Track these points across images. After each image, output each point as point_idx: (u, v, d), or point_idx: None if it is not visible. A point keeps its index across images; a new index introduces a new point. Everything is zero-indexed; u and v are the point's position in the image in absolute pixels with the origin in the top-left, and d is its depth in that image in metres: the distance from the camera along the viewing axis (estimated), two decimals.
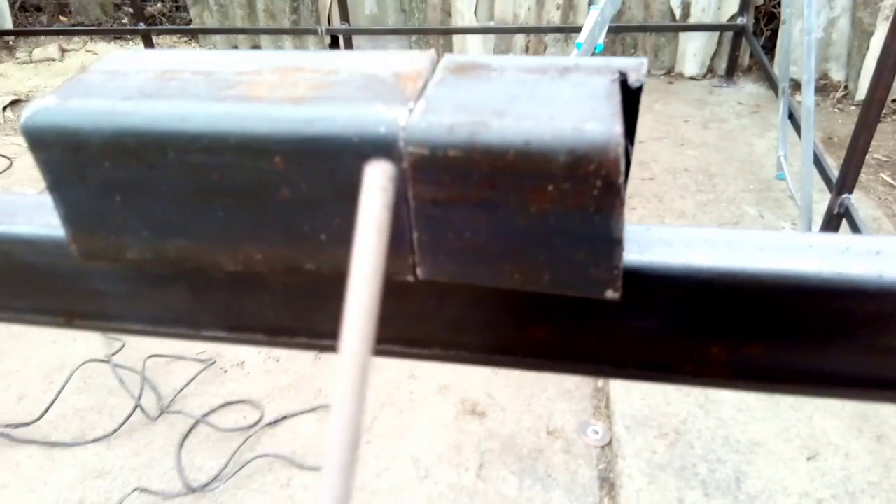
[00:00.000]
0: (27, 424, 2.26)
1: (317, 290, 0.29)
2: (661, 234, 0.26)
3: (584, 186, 0.20)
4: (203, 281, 0.30)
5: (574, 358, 0.29)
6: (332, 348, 0.31)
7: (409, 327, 0.29)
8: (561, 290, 0.22)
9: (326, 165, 0.22)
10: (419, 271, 0.23)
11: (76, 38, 5.74)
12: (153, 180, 0.23)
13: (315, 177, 0.22)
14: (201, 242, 0.24)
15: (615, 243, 0.21)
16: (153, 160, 0.22)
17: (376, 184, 0.19)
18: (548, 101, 0.21)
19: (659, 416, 2.23)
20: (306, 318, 0.30)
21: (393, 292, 0.28)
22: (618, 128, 0.19)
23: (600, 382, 2.38)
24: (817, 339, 0.26)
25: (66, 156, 0.23)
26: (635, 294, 0.26)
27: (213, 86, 0.23)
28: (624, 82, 0.22)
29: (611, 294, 0.22)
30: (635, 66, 0.23)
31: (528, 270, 0.22)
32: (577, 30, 3.09)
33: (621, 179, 0.19)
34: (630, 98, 0.22)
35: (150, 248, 0.24)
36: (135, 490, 2.07)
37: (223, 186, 0.23)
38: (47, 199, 0.31)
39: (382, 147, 0.21)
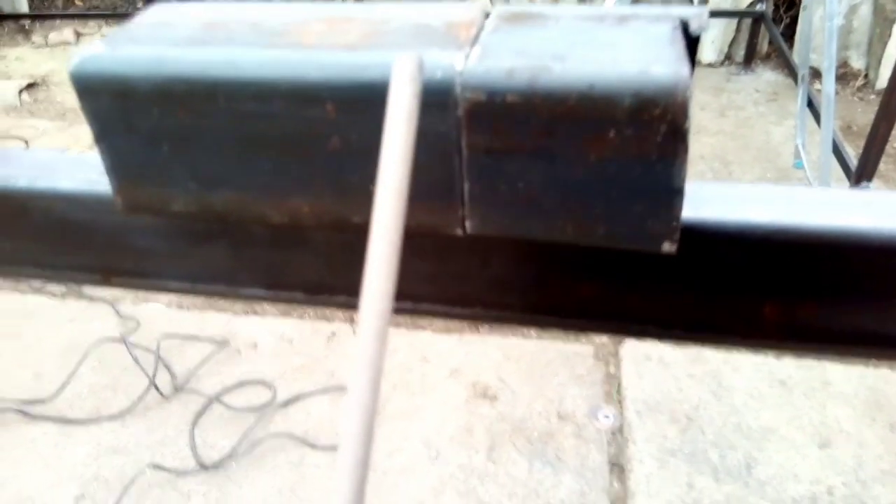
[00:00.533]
0: (43, 402, 2.29)
1: (359, 246, 0.29)
2: (716, 189, 0.26)
3: (648, 132, 0.19)
4: (244, 237, 0.29)
5: (621, 318, 0.28)
6: None
7: (452, 286, 0.29)
8: (615, 243, 0.22)
9: (378, 114, 0.21)
10: (468, 225, 0.23)
11: (91, 23, 5.74)
12: (201, 129, 0.22)
13: (367, 126, 0.22)
14: (248, 194, 0.24)
15: (676, 192, 0.20)
16: (201, 108, 0.22)
17: (405, 74, 0.18)
18: (609, 47, 0.20)
19: (671, 401, 2.23)
20: (347, 276, 0.30)
21: (438, 248, 0.28)
22: (685, 70, 0.19)
23: (612, 368, 2.37)
24: (875, 299, 0.25)
25: (114, 104, 0.22)
26: (688, 251, 0.25)
27: (262, 34, 0.23)
28: (685, 30, 0.22)
29: (668, 247, 0.21)
30: (696, 14, 0.22)
31: (582, 223, 0.22)
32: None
33: (688, 124, 0.19)
34: (689, 48, 0.22)
35: (196, 200, 0.24)
36: (149, 466, 2.09)
37: (272, 136, 0.22)
38: (87, 157, 0.31)
39: (438, 92, 0.21)
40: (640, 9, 0.22)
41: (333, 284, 0.30)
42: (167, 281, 0.32)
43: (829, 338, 0.27)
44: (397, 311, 0.31)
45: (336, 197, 0.23)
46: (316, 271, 0.30)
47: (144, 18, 0.25)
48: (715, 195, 0.26)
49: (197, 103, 0.22)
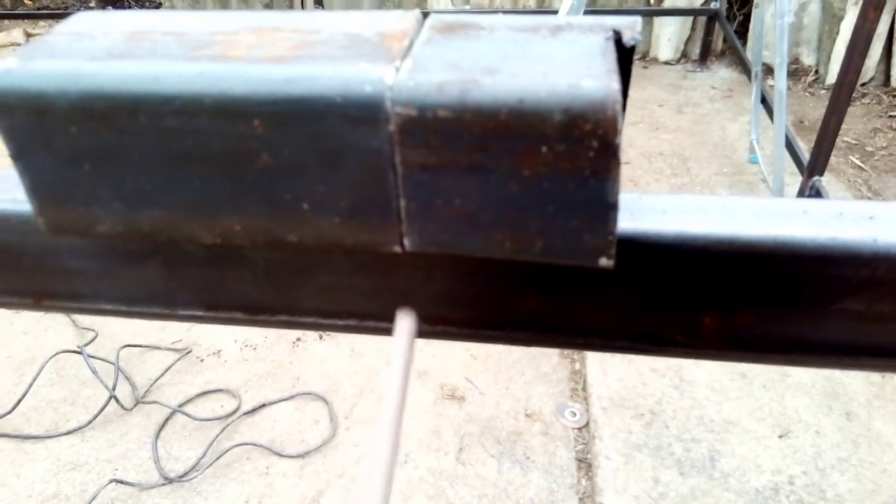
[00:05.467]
0: None
1: (299, 264, 0.28)
2: (654, 201, 0.26)
3: (580, 147, 0.19)
4: (179, 257, 0.28)
5: (564, 331, 0.28)
6: (314, 326, 0.30)
7: (395, 302, 0.28)
8: (553, 258, 0.22)
9: (309, 129, 0.21)
10: (407, 242, 0.23)
11: (42, 22, 5.57)
12: (124, 147, 0.21)
13: (297, 141, 0.21)
14: (177, 214, 0.23)
15: (611, 208, 0.20)
16: (123, 125, 0.21)
17: (405, 330, 0.18)
18: (541, 59, 0.20)
19: (635, 396, 2.26)
20: (288, 295, 0.29)
21: (379, 265, 0.27)
22: (615, 84, 0.18)
23: (577, 365, 2.40)
24: (811, 307, 0.25)
25: (30, 121, 0.21)
26: (628, 263, 0.25)
27: (187, 46, 0.22)
28: (618, 41, 0.22)
29: (605, 262, 0.21)
30: (629, 25, 0.22)
31: (519, 238, 0.21)
32: (554, 13, 3.09)
33: (618, 139, 0.19)
34: (623, 58, 0.22)
35: (123, 220, 0.23)
36: (111, 482, 2.04)
37: (199, 153, 0.21)
38: (11, 174, 0.29)
39: (368, 108, 0.20)
40: (575, 19, 0.22)
41: (273, 304, 0.29)
42: (101, 303, 0.30)
43: (768, 346, 0.27)
44: (342, 328, 0.31)
45: (269, 215, 0.22)
46: (255, 290, 0.29)
47: (64, 28, 0.24)
48: (654, 206, 0.26)
49: (118, 120, 0.21)
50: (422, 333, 0.29)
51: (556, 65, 0.19)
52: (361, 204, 0.22)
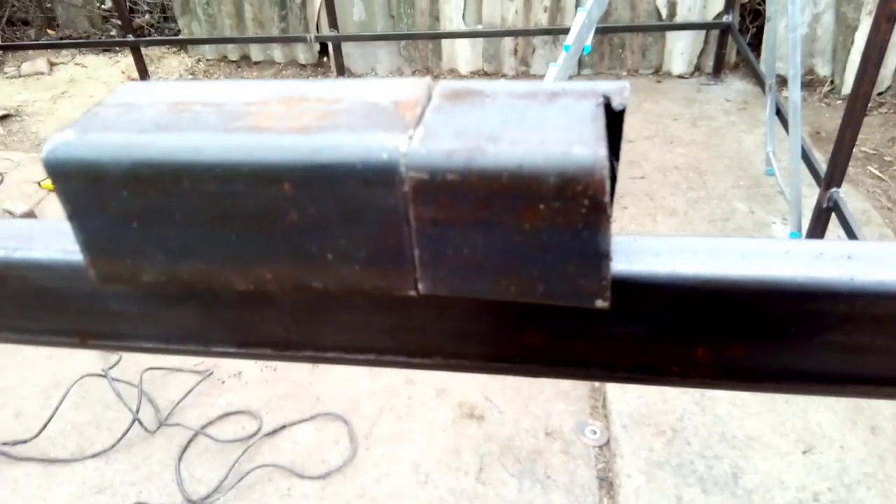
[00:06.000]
0: (25, 441, 2.26)
1: (322, 305, 0.31)
2: (648, 243, 0.28)
3: (573, 205, 0.21)
4: (213, 300, 0.31)
5: (567, 363, 0.30)
6: (337, 360, 0.33)
7: (411, 338, 0.31)
8: (553, 300, 0.24)
9: (332, 191, 0.23)
10: (421, 286, 0.25)
11: (64, 52, 5.74)
12: (168, 208, 0.24)
13: (322, 201, 0.23)
14: (214, 265, 0.25)
15: (603, 257, 0.22)
16: (169, 189, 0.24)
17: None
18: (538, 126, 0.22)
19: (655, 414, 2.25)
20: (312, 333, 0.32)
21: (396, 306, 0.30)
22: (602, 151, 0.21)
23: (597, 383, 2.40)
24: (794, 340, 0.27)
25: (86, 186, 0.24)
26: (624, 301, 0.27)
27: (224, 117, 0.25)
28: (608, 105, 0.24)
29: (600, 303, 0.24)
30: (618, 90, 0.24)
31: (522, 283, 0.24)
32: (565, 31, 3.12)
33: (607, 198, 0.21)
34: (614, 120, 0.24)
35: (165, 270, 0.26)
36: None
37: (235, 212, 0.24)
38: (62, 226, 0.32)
39: (385, 173, 0.23)
40: (570, 85, 0.25)
41: (299, 341, 0.32)
42: (141, 342, 0.33)
43: (758, 376, 0.29)
44: (362, 361, 0.33)
45: (296, 265, 0.25)
46: (283, 329, 0.31)
47: (113, 100, 0.27)
48: (647, 248, 0.28)
49: (164, 185, 0.24)
50: (437, 366, 0.31)
51: (551, 132, 0.22)
52: (379, 254, 0.24)
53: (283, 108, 0.25)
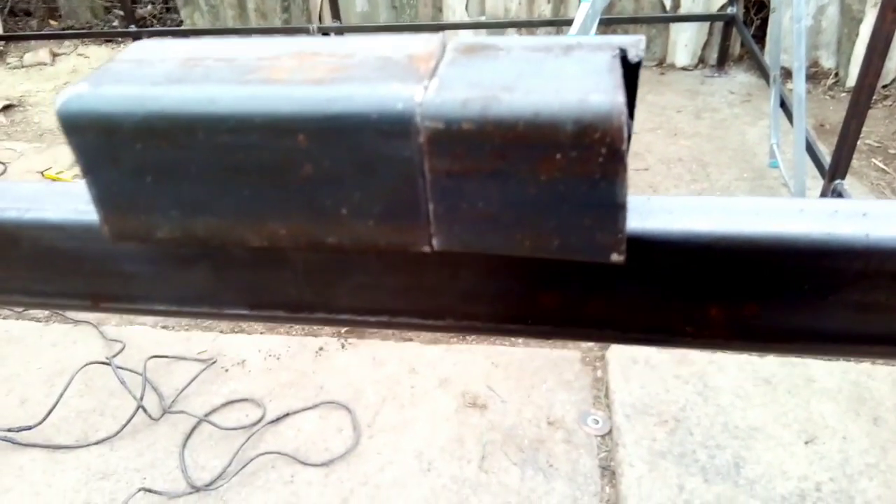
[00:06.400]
0: (30, 428, 2.27)
1: (336, 265, 0.31)
2: (661, 202, 0.28)
3: (590, 154, 0.21)
4: (226, 260, 0.31)
5: (580, 324, 0.30)
6: (350, 322, 0.33)
7: (424, 299, 0.31)
8: (569, 255, 0.24)
9: (347, 142, 0.23)
10: (435, 241, 0.25)
11: (67, 42, 5.73)
12: (182, 161, 0.24)
13: (336, 153, 0.23)
14: (228, 220, 0.25)
15: (619, 208, 0.22)
16: (183, 141, 0.24)
17: None
18: (554, 77, 0.22)
19: (658, 403, 2.25)
20: (325, 294, 0.32)
21: (409, 264, 0.30)
22: (620, 98, 0.21)
23: (599, 372, 2.40)
24: (808, 298, 0.27)
25: (100, 140, 0.24)
26: (638, 260, 0.27)
27: (237, 70, 0.25)
28: (624, 58, 0.24)
29: (615, 257, 0.23)
30: (634, 43, 0.24)
31: (537, 237, 0.24)
32: (569, 23, 3.11)
33: (625, 146, 0.21)
34: (629, 73, 0.24)
35: (180, 226, 0.26)
36: (139, 490, 2.08)
37: (249, 165, 0.24)
38: (72, 188, 0.32)
39: (400, 122, 0.22)
40: (585, 38, 0.25)
41: (312, 302, 0.32)
42: (154, 304, 0.33)
43: (771, 335, 0.29)
44: (375, 324, 0.33)
45: (310, 220, 0.25)
46: (296, 290, 0.31)
47: (125, 56, 0.27)
48: (661, 207, 0.28)
49: (178, 137, 0.24)
50: (449, 328, 0.31)
51: (567, 81, 0.22)
52: (394, 208, 0.24)
53: (296, 62, 0.25)
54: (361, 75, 0.24)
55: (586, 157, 0.21)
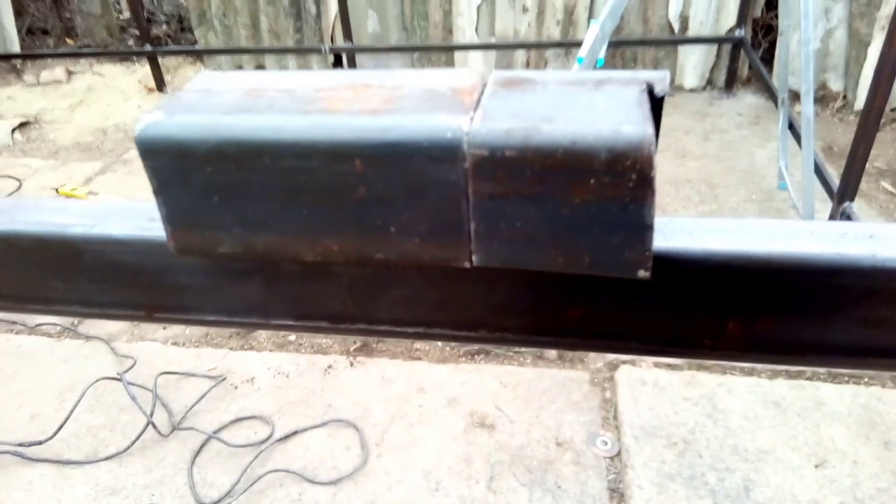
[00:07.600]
0: (40, 443, 2.29)
1: (378, 279, 0.33)
2: (683, 223, 0.30)
3: (622, 180, 0.24)
4: (276, 274, 0.33)
5: (605, 336, 0.32)
6: (388, 333, 0.35)
7: (459, 312, 0.33)
8: (599, 271, 0.26)
9: (399, 167, 0.26)
10: (475, 258, 0.27)
11: (82, 61, 5.83)
12: (247, 183, 0.27)
13: (388, 177, 0.26)
14: (286, 237, 0.28)
15: (647, 228, 0.25)
16: (250, 165, 0.26)
17: None
18: (587, 109, 0.25)
19: (667, 425, 2.25)
20: (367, 306, 0.34)
21: (447, 279, 0.32)
22: (650, 129, 0.23)
23: (608, 393, 2.40)
24: (819, 313, 0.29)
25: (173, 162, 0.26)
26: (660, 277, 0.29)
27: (297, 101, 0.27)
28: (650, 92, 0.26)
29: (642, 273, 0.26)
30: (660, 78, 0.27)
31: (570, 254, 0.26)
32: (578, 45, 3.15)
33: (653, 173, 0.23)
34: (655, 105, 0.26)
35: (241, 242, 0.28)
36: None
37: (308, 187, 0.26)
38: (136, 205, 0.35)
39: (449, 150, 0.25)
40: (614, 73, 0.27)
41: (354, 314, 0.34)
42: (205, 314, 0.36)
43: (785, 348, 0.31)
44: (412, 335, 0.35)
45: (361, 237, 0.27)
46: (339, 303, 0.34)
47: (192, 87, 0.29)
48: (682, 228, 0.30)
49: (246, 161, 0.26)
50: (482, 339, 0.33)
51: (600, 114, 0.24)
52: (438, 227, 0.27)
53: (351, 93, 0.27)
54: (412, 106, 0.26)
55: (618, 182, 0.23)
